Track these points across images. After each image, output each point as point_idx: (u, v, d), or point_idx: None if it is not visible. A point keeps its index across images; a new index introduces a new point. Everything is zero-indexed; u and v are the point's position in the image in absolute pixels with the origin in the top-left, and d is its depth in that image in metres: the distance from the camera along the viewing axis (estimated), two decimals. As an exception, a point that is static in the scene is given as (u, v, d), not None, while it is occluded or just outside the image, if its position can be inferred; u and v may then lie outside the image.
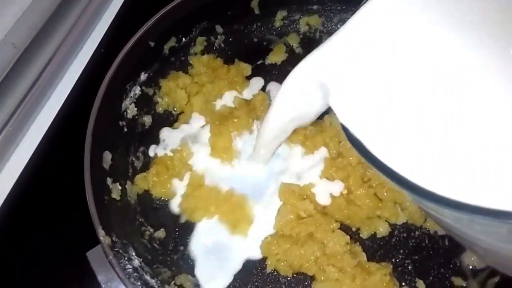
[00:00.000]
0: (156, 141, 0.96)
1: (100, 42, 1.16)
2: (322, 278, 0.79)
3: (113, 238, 0.75)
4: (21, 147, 0.99)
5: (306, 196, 0.86)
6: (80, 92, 1.05)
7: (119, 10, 1.21)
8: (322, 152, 0.90)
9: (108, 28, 1.18)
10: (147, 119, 0.98)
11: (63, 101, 1.05)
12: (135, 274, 0.73)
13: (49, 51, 1.09)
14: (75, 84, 1.08)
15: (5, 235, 0.88)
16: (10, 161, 0.97)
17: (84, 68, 1.11)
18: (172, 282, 0.79)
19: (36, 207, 0.92)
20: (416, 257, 0.82)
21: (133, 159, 0.93)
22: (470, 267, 0.80)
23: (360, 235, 0.85)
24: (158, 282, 0.77)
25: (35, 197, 0.93)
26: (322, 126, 0.92)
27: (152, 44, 0.98)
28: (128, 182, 0.89)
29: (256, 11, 1.09)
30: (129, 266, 0.74)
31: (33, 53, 1.05)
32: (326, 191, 0.87)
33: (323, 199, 0.87)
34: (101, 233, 0.73)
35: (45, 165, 0.96)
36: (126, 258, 0.74)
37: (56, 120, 1.02)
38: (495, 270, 0.78)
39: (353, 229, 0.85)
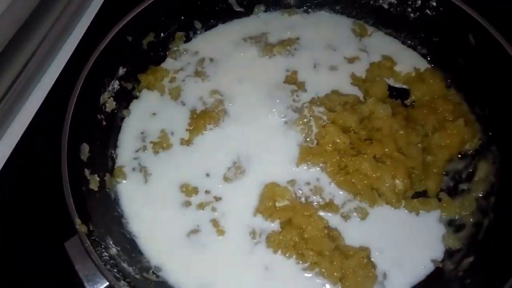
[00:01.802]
0: (136, 134, 0.96)
1: (81, 39, 1.17)
2: (301, 262, 0.79)
3: (90, 227, 0.75)
4: (4, 140, 1.01)
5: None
6: (61, 88, 1.06)
7: (101, 7, 1.22)
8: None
9: (90, 25, 1.20)
10: (126, 113, 0.98)
11: (44, 96, 1.06)
12: (112, 261, 0.73)
13: (31, 48, 1.10)
14: (56, 80, 1.09)
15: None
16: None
17: (66, 65, 1.12)
18: (151, 270, 0.79)
19: (15, 199, 0.93)
20: (394, 240, 0.83)
21: (112, 151, 0.93)
22: (446, 247, 0.81)
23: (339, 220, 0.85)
24: (136, 270, 0.77)
25: (15, 189, 0.94)
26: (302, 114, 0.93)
27: (130, 39, 0.98)
28: (107, 174, 0.89)
29: (235, 7, 1.10)
30: (105, 253, 0.73)
31: (15, 51, 1.05)
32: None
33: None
34: (77, 221, 0.73)
35: (25, 158, 0.97)
36: (103, 246, 0.75)
37: (37, 114, 1.03)
38: (470, 250, 0.79)
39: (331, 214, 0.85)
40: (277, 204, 0.85)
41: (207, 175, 0.90)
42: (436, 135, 0.89)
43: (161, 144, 0.93)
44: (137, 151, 0.94)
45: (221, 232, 0.84)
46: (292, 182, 0.87)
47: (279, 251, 0.81)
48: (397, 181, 0.84)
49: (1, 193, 0.94)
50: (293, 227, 0.82)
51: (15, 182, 0.95)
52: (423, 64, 1.03)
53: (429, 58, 1.03)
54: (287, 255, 0.80)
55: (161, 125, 0.97)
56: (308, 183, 0.88)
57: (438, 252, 0.81)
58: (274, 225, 0.84)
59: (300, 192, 0.87)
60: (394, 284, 0.79)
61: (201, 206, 0.86)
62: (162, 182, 0.90)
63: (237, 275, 0.80)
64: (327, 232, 0.81)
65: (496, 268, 0.72)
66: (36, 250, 0.86)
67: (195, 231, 0.84)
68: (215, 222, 0.85)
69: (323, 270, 0.78)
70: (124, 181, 0.90)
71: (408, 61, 1.03)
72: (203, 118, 0.95)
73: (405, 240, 0.83)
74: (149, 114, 0.99)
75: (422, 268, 0.80)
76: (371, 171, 0.85)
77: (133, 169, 0.91)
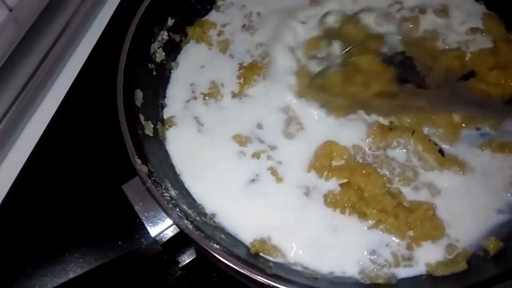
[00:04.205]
0: (186, 85, 0.94)
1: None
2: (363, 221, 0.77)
3: (150, 168, 0.73)
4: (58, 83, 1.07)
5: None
6: (110, 36, 1.10)
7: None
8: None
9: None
10: (175, 65, 0.96)
11: (95, 42, 1.11)
12: (173, 201, 0.71)
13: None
14: (104, 29, 1.13)
15: (45, 171, 0.94)
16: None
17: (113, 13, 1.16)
18: (208, 216, 0.77)
19: (70, 144, 0.96)
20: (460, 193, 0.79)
21: (162, 101, 0.91)
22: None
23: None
24: (195, 213, 0.74)
25: (70, 136, 0.97)
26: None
27: (179, -11, 0.96)
28: (159, 123, 0.87)
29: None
30: (166, 194, 0.71)
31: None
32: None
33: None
34: (137, 161, 0.71)
35: (80, 106, 1.00)
36: (163, 187, 0.72)
37: (89, 58, 1.09)
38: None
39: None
40: (334, 164, 0.82)
41: (260, 127, 0.87)
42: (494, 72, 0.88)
43: (212, 95, 0.91)
44: (187, 101, 0.91)
45: (279, 180, 0.81)
46: (356, 147, 0.84)
47: (338, 210, 0.78)
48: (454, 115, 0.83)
49: (56, 139, 0.96)
50: (351, 187, 0.78)
51: (67, 131, 0.97)
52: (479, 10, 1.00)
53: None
54: (346, 214, 0.77)
55: (211, 77, 0.94)
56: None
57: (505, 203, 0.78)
58: (330, 184, 0.80)
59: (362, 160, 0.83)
60: (461, 235, 0.75)
61: (256, 155, 0.84)
62: (215, 132, 0.87)
63: (295, 226, 0.77)
64: (388, 189, 0.78)
65: None
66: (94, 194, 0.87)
67: (253, 179, 0.81)
68: (273, 170, 0.82)
69: (389, 227, 0.75)
70: (176, 130, 0.88)
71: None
72: (252, 70, 0.93)
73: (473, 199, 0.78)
74: (197, 66, 0.97)
75: (490, 218, 0.77)
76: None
77: (185, 119, 0.89)
